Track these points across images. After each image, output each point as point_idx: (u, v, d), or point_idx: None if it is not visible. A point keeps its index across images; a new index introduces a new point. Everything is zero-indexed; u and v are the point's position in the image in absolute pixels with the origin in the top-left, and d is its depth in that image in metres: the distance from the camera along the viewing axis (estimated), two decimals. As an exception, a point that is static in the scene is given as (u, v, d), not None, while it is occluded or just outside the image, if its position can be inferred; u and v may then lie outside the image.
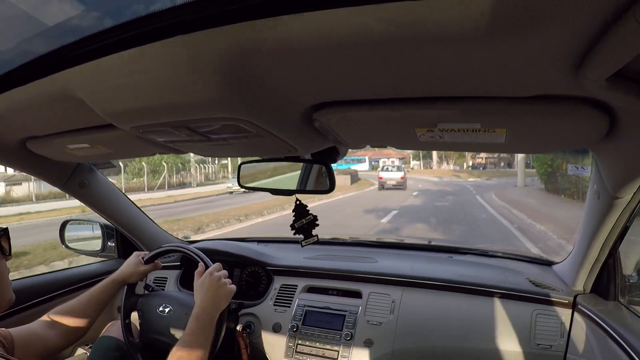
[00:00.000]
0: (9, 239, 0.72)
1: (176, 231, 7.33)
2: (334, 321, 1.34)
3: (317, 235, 1.22)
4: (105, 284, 1.13)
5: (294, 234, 1.21)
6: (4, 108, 0.73)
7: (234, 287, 1.09)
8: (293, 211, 1.20)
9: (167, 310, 1.23)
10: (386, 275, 1.39)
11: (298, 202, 1.20)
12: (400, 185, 17.33)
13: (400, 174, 17.74)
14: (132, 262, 1.21)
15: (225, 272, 1.10)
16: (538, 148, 0.85)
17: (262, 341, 1.39)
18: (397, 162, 38.07)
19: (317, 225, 1.22)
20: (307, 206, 1.21)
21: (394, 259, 1.59)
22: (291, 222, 1.21)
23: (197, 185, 24.84)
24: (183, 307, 1.22)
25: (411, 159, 51.46)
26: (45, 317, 0.99)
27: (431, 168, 48.14)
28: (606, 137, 0.66)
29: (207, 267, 1.13)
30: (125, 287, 1.24)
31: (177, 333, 1.17)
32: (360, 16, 0.39)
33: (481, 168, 45.20)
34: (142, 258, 1.24)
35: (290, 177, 1.19)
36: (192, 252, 1.24)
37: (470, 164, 46.76)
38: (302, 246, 1.22)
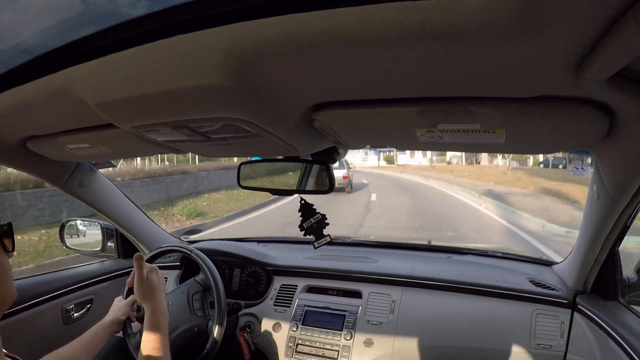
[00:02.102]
0: (12, 235, 0.71)
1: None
2: (334, 321, 1.34)
3: (329, 235, 1.18)
4: (96, 329, 1.10)
5: (304, 235, 1.18)
6: (4, 107, 0.73)
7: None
8: (299, 211, 1.18)
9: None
10: (386, 276, 1.39)
11: (303, 202, 1.17)
12: (342, 187, 13.28)
13: (342, 172, 13.90)
14: (115, 303, 1.18)
15: (147, 266, 1.05)
16: (538, 149, 0.85)
17: (262, 341, 1.39)
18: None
19: (327, 224, 1.17)
20: (313, 205, 1.17)
21: (393, 259, 1.59)
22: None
23: None
24: (177, 292, 1.26)
25: (448, 150, 38.34)
26: None
27: (478, 163, 29.31)
28: (606, 138, 0.66)
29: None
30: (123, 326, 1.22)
31: (185, 316, 1.20)
32: (360, 16, 0.39)
33: (561, 166, 23.51)
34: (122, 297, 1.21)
35: (290, 177, 1.19)
36: (186, 249, 1.25)
37: (541, 159, 25.23)
38: (315, 247, 1.17)
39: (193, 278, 1.29)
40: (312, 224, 1.17)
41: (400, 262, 1.52)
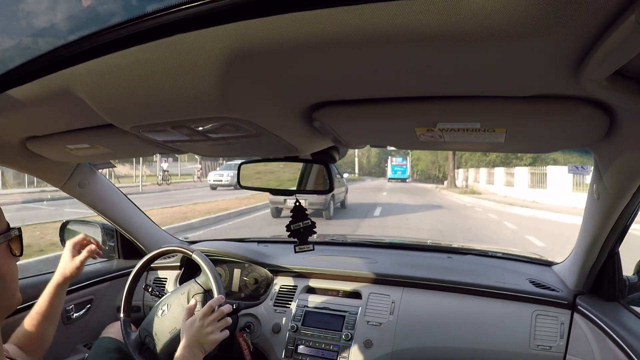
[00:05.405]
0: (21, 239, 0.72)
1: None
2: (333, 322, 1.34)
3: (313, 244, 1.20)
4: (50, 294, 1.05)
5: (289, 236, 1.20)
6: (4, 107, 0.73)
7: (225, 333, 1.06)
8: (291, 211, 1.20)
9: (166, 308, 1.24)
10: (386, 276, 1.39)
11: (298, 204, 1.19)
12: (317, 208, 8.52)
13: None
14: (67, 257, 1.10)
15: (222, 311, 1.06)
16: (538, 148, 0.85)
17: (261, 341, 1.39)
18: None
19: (315, 232, 1.20)
20: (306, 209, 1.19)
21: (393, 259, 1.59)
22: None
23: None
24: (177, 293, 1.26)
25: None
26: (12, 344, 0.96)
27: None
28: (606, 137, 0.66)
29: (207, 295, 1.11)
30: (122, 322, 1.23)
31: (178, 323, 1.19)
32: (359, 15, 0.39)
33: None
34: (77, 243, 1.11)
35: (290, 177, 1.19)
36: (187, 250, 1.25)
37: None
38: (296, 252, 1.20)
39: (193, 279, 1.29)
40: (300, 228, 1.18)
41: (400, 263, 1.52)
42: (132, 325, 1.30)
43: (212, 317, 1.04)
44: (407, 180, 32.58)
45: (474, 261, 1.59)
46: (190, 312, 1.07)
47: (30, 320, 1.00)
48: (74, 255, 1.10)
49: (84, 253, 1.10)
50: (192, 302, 1.12)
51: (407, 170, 32.64)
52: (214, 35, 0.45)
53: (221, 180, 16.35)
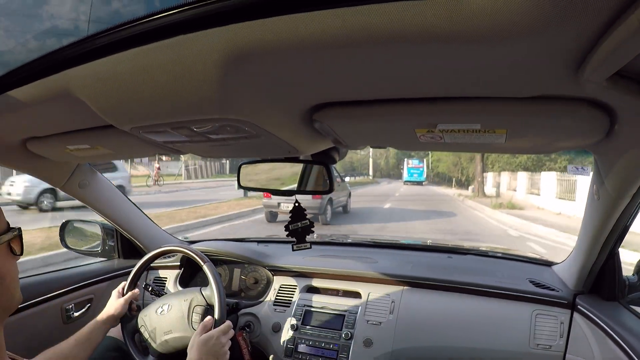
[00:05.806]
0: (22, 239, 0.72)
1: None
2: (333, 321, 1.34)
3: (310, 244, 1.22)
4: (92, 326, 1.13)
5: (287, 235, 1.21)
6: (4, 108, 0.73)
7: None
8: (290, 212, 1.21)
9: (166, 307, 1.23)
10: (386, 276, 1.39)
11: (297, 204, 1.19)
12: (313, 213, 7.83)
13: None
14: (113, 298, 1.24)
15: (230, 335, 1.10)
16: (538, 148, 0.85)
17: (261, 341, 1.40)
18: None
19: (313, 232, 1.22)
20: (305, 210, 1.20)
21: (393, 259, 1.59)
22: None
23: None
24: (181, 297, 1.25)
25: None
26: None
27: None
28: (606, 138, 0.66)
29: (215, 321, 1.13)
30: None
31: (181, 324, 1.19)
32: (360, 16, 0.39)
33: None
34: (122, 289, 1.27)
35: (290, 177, 1.19)
36: (200, 257, 1.24)
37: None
38: (293, 250, 1.22)
39: (200, 289, 1.27)
40: (299, 227, 1.21)
41: (400, 262, 1.52)
42: (132, 312, 1.29)
43: (228, 336, 1.09)
44: (424, 183, 31.91)
45: (474, 261, 1.59)
46: (206, 328, 1.08)
47: (66, 344, 1.06)
48: (118, 297, 1.24)
49: (129, 294, 1.25)
50: (210, 319, 1.13)
51: (423, 173, 31.73)
52: (214, 36, 0.45)
53: (10, 193, 9.22)
